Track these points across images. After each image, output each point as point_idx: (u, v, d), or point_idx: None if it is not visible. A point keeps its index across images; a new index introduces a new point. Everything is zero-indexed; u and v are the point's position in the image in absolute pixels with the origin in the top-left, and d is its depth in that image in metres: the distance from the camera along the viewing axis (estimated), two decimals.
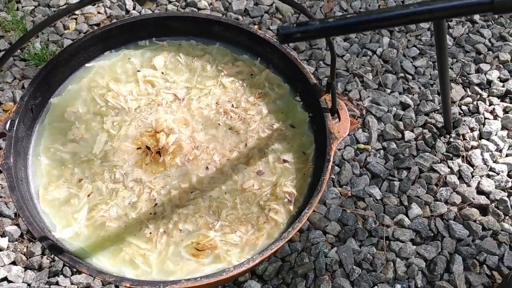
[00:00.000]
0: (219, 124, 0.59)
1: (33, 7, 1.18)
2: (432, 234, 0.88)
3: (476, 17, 1.21)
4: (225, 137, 0.58)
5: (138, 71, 0.61)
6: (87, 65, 0.60)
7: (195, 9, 1.20)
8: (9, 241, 0.86)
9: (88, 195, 0.52)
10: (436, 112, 1.02)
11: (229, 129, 0.58)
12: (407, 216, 0.90)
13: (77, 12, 1.17)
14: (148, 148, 0.56)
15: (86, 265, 0.45)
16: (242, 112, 0.59)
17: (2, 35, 1.13)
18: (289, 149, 0.58)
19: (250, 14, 1.20)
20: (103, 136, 0.56)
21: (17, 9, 1.18)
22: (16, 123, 0.51)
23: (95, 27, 1.18)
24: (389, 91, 1.08)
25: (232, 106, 0.60)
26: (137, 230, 0.51)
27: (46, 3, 1.19)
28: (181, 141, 0.57)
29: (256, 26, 1.19)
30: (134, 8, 1.20)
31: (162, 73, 0.61)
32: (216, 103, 0.60)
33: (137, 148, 0.56)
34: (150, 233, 0.51)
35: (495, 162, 0.97)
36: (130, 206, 0.52)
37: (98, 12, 1.18)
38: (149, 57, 0.62)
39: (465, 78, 1.09)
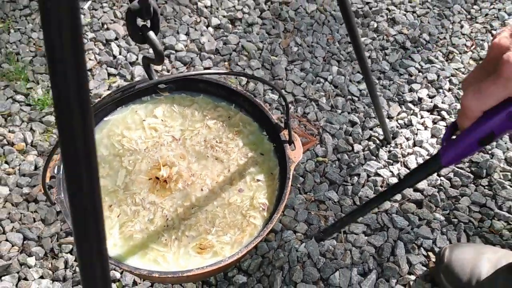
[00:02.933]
0: (208, 156, 0.79)
1: (31, 57, 1.36)
2: (379, 226, 1.10)
3: (408, 44, 1.45)
4: (213, 166, 0.78)
5: (143, 120, 0.81)
6: (105, 119, 0.80)
7: (173, 51, 1.40)
8: (36, 259, 1.04)
9: (118, 216, 0.72)
10: (378, 126, 1.25)
11: (216, 159, 0.79)
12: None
13: None
14: (157, 178, 0.76)
15: (126, 265, 0.65)
16: (224, 146, 0.80)
17: (7, 84, 1.30)
18: (261, 171, 0.79)
19: (221, 53, 1.41)
20: (123, 172, 0.76)
21: (17, 60, 1.36)
22: (62, 167, 0.70)
23: (88, 73, 1.37)
24: (339, 111, 1.30)
25: (216, 141, 0.81)
26: (156, 239, 0.71)
27: (42, 54, 1.38)
28: (181, 171, 0.77)
29: (226, 63, 1.40)
30: (120, 53, 1.39)
31: (162, 120, 0.82)
32: (204, 140, 0.81)
33: (149, 179, 0.76)
34: (166, 240, 0.71)
35: None
36: (149, 222, 0.72)
37: (89, 59, 1.37)
38: (151, 109, 0.82)
39: (400, 97, 1.33)
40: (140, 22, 0.52)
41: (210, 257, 0.70)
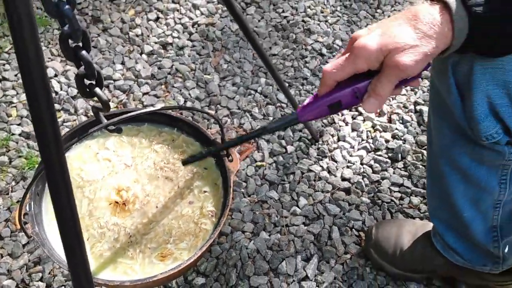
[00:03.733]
0: (158, 176, 0.91)
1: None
2: (316, 216, 1.26)
3: (324, 50, 1.63)
4: (164, 185, 0.91)
5: (97, 153, 0.92)
6: None
7: (112, 81, 1.50)
8: None
9: (87, 239, 0.82)
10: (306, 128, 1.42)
11: (166, 178, 0.91)
12: (298, 207, 1.27)
13: (14, 100, 1.43)
14: (116, 202, 0.87)
15: (100, 279, 0.76)
16: (171, 166, 0.92)
17: None
18: (206, 183, 0.92)
19: (156, 77, 1.52)
20: (85, 201, 0.87)
21: None
22: (32, 204, 0.80)
23: None
24: (271, 118, 1.45)
25: (164, 163, 0.93)
26: (123, 254, 0.82)
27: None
28: (136, 193, 0.89)
29: (163, 86, 1.51)
30: (61, 89, 1.47)
31: (114, 151, 0.93)
32: (154, 163, 0.93)
33: (109, 204, 0.87)
34: (131, 253, 0.82)
35: (350, 156, 1.38)
36: (115, 241, 0.83)
37: None
38: (102, 142, 0.93)
39: None
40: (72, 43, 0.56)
41: (171, 262, 0.82)
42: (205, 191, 0.91)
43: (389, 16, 1.70)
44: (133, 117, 0.74)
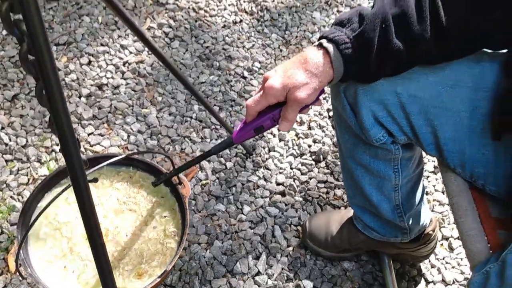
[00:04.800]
0: (123, 210, 1.08)
1: None
2: (259, 219, 1.46)
3: (246, 73, 1.84)
4: (129, 216, 1.07)
5: (67, 198, 1.07)
6: (38, 205, 1.05)
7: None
8: None
9: (73, 272, 0.98)
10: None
11: (130, 210, 1.08)
12: (243, 214, 1.47)
13: None
14: None
15: None
16: (133, 199, 1.10)
17: None
18: (165, 209, 1.10)
19: (98, 117, 1.67)
20: (65, 240, 1.02)
21: None
22: (21, 252, 0.95)
23: None
24: (208, 140, 1.64)
25: (126, 198, 1.10)
26: None
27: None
28: (107, 227, 1.05)
29: (105, 124, 1.66)
30: (10, 140, 1.58)
31: None
32: (117, 199, 1.09)
33: (86, 239, 1.03)
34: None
35: (281, 163, 1.60)
36: None
37: None
38: (70, 188, 1.09)
39: None
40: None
41: (147, 279, 1.00)
42: (165, 216, 1.09)
43: (296, 37, 1.95)
44: (93, 164, 0.91)
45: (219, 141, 1.63)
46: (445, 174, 1.01)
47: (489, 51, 0.92)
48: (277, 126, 0.88)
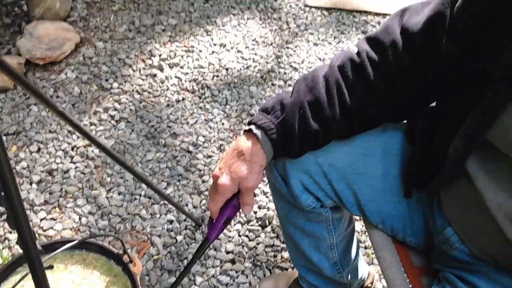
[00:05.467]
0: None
1: None
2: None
3: (191, 148, 1.96)
4: None
5: (23, 286, 1.12)
6: None
7: None
8: None
9: None
10: (186, 218, 1.71)
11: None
12: (196, 285, 1.53)
13: None
14: None
15: None
16: (88, 280, 1.15)
17: None
18: (119, 287, 1.16)
19: (49, 202, 1.71)
20: None
21: None
22: None
23: None
24: (158, 215, 1.72)
25: (81, 279, 1.15)
26: None
27: None
28: None
29: (57, 209, 1.71)
30: None
31: None
32: (72, 281, 1.15)
33: None
34: None
35: (229, 231, 1.69)
36: None
37: None
38: (28, 276, 1.13)
39: (197, 189, 1.81)
40: None
41: None
42: None
43: (236, 110, 2.10)
44: (47, 250, 0.97)
45: (168, 216, 1.71)
46: (369, 231, 1.14)
47: None
48: (241, 210, 0.99)
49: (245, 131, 0.99)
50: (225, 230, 1.68)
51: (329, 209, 1.15)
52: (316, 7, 2.74)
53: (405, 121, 1.10)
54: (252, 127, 0.98)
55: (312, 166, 1.06)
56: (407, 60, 0.96)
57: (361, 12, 2.72)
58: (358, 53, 1.01)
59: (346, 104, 0.97)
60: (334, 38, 2.54)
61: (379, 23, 2.66)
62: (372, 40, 1.01)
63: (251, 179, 0.93)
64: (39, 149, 1.88)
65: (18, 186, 0.62)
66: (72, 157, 1.87)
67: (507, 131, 0.82)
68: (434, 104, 1.03)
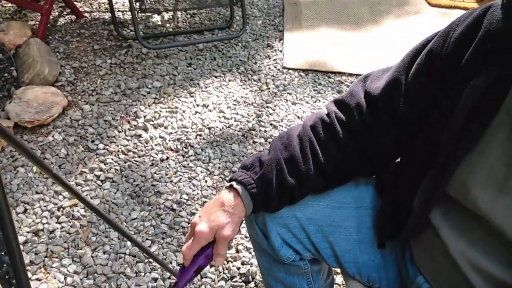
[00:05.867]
0: None
1: None
2: None
3: (175, 206, 2.01)
4: None
5: None
6: None
7: None
8: None
9: None
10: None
11: None
12: None
13: None
14: None
15: None
16: None
17: None
18: None
19: (35, 262, 1.73)
20: None
21: None
22: None
23: None
24: (143, 274, 1.74)
25: None
26: None
27: None
28: None
29: (42, 269, 1.72)
30: None
31: None
32: None
33: None
34: None
35: None
36: None
37: None
38: None
39: (181, 246, 1.85)
40: None
41: None
42: None
43: (219, 168, 2.17)
44: None
45: (153, 274, 1.73)
46: (347, 282, 1.19)
47: None
48: (212, 262, 1.03)
49: (226, 187, 1.06)
50: (209, 286, 1.70)
51: (308, 261, 1.20)
52: (293, 69, 2.89)
53: (375, 176, 1.19)
54: (233, 183, 1.05)
55: (291, 220, 1.12)
56: (371, 120, 1.05)
57: (335, 73, 2.88)
58: (328, 114, 1.11)
59: (319, 160, 1.06)
60: (311, 97, 2.67)
61: (352, 82, 2.81)
62: (339, 103, 1.12)
63: (229, 229, 0.99)
64: (25, 210, 1.91)
65: (21, 250, 0.68)
66: (58, 217, 1.90)
67: (463, 185, 0.90)
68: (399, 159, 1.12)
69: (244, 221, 1.18)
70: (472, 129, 0.87)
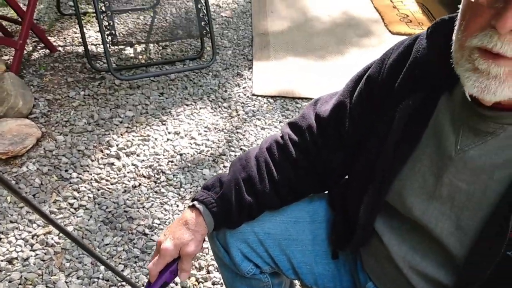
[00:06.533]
0: None
1: None
2: None
3: (147, 230, 2.07)
4: None
5: None
6: None
7: None
8: None
9: None
10: None
11: None
12: None
13: None
14: None
15: None
16: None
17: None
18: None
19: None
20: None
21: None
22: None
23: None
24: None
25: None
26: None
27: None
28: None
29: None
30: None
31: None
32: None
33: None
34: None
35: None
36: None
37: None
38: None
39: None
40: None
41: None
42: None
43: (190, 192, 2.25)
44: None
45: None
46: None
47: None
48: (177, 278, 1.11)
49: (189, 206, 1.15)
50: None
51: (269, 275, 1.29)
52: (262, 96, 3.01)
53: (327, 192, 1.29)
54: (195, 202, 1.14)
55: (250, 235, 1.21)
56: (321, 141, 1.16)
57: (302, 98, 3.00)
58: (282, 136, 1.21)
59: (274, 179, 1.15)
60: (280, 122, 2.79)
61: None
62: (293, 125, 1.22)
63: (192, 245, 1.07)
64: None
65: None
66: (32, 245, 1.94)
67: (400, 195, 1.01)
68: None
69: (207, 238, 1.26)
70: (404, 146, 0.98)
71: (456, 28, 0.80)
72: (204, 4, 3.05)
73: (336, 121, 1.13)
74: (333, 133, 1.13)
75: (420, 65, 0.96)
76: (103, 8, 2.78)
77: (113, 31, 2.82)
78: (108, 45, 2.80)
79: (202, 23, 3.07)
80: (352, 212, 1.12)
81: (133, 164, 2.38)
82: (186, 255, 1.07)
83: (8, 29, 3.20)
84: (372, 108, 1.06)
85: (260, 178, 1.15)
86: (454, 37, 0.81)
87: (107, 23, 2.80)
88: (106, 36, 2.78)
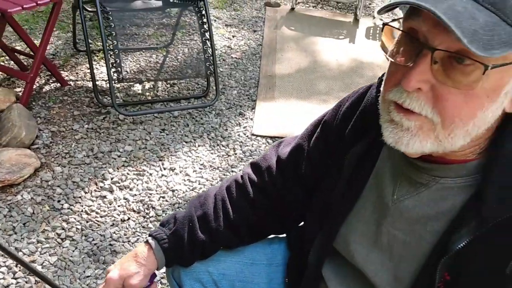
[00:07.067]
0: None
1: None
2: None
3: None
4: None
5: None
6: None
7: None
8: None
9: None
10: None
11: None
12: None
13: None
14: None
15: None
16: None
17: None
18: None
19: None
20: None
21: None
22: None
23: None
24: None
25: None
26: None
27: None
28: None
29: None
30: None
31: None
32: None
33: None
34: None
35: None
36: None
37: None
38: None
39: None
40: None
41: None
42: None
43: None
44: None
45: None
46: None
47: None
48: None
49: (144, 241, 1.17)
50: None
51: None
52: (262, 136, 3.04)
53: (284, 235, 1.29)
54: (149, 238, 1.16)
55: (204, 275, 1.21)
56: (279, 182, 1.18)
57: None
58: (242, 176, 1.23)
59: (229, 217, 1.17)
60: None
61: None
62: (253, 165, 1.25)
63: (137, 278, 1.09)
64: None
65: None
66: (15, 273, 1.97)
67: (345, 240, 1.01)
68: None
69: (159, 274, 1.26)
70: (351, 192, 0.99)
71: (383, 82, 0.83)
72: (210, 45, 3.15)
73: (294, 163, 1.15)
74: (292, 175, 1.15)
75: (368, 113, 0.98)
76: (111, 47, 2.90)
77: (119, 68, 2.92)
78: (113, 81, 2.90)
79: (207, 63, 3.16)
80: (305, 255, 1.12)
81: (124, 198, 2.41)
82: (129, 287, 1.09)
83: (25, 62, 3.35)
84: (328, 153, 1.07)
85: (215, 216, 1.17)
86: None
87: (113, 61, 2.90)
88: (112, 73, 2.88)
